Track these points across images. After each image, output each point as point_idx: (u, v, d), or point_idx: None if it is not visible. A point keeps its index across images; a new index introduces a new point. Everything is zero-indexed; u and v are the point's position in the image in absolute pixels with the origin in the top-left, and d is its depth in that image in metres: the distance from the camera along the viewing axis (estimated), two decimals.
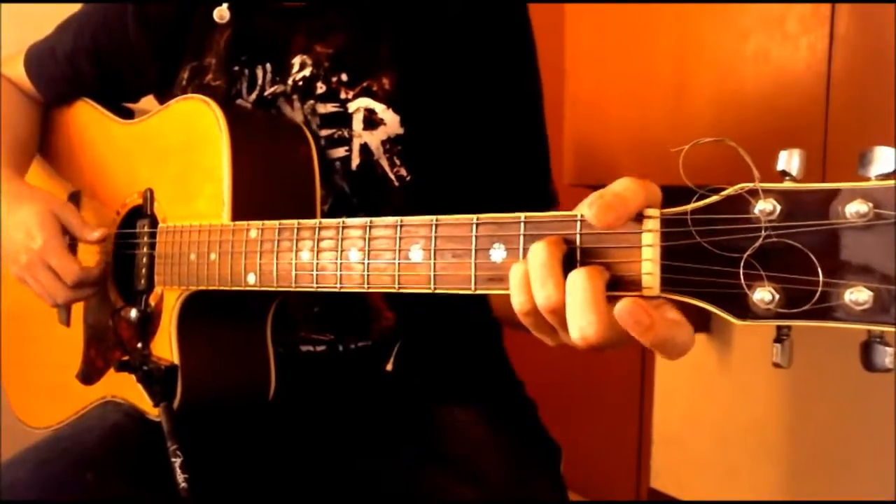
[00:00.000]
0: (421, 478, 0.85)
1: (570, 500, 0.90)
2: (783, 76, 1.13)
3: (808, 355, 1.50)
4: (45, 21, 1.11)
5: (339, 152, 0.90)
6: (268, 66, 0.92)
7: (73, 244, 0.96)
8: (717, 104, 1.23)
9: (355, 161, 0.90)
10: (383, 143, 0.89)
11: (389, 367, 0.94)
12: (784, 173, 0.45)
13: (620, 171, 1.36)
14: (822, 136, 1.08)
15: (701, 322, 1.82)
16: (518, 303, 0.54)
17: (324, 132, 0.90)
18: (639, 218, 0.49)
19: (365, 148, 0.89)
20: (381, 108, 0.89)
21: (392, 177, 0.90)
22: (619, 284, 0.50)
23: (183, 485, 0.76)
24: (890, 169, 0.42)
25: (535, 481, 0.86)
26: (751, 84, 1.17)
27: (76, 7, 1.06)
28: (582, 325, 0.50)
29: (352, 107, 0.89)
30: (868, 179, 0.42)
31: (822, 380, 1.66)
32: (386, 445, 0.91)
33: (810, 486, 1.74)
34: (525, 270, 0.53)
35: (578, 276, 0.50)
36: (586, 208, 0.50)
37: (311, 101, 0.91)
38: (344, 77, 0.90)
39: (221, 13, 0.93)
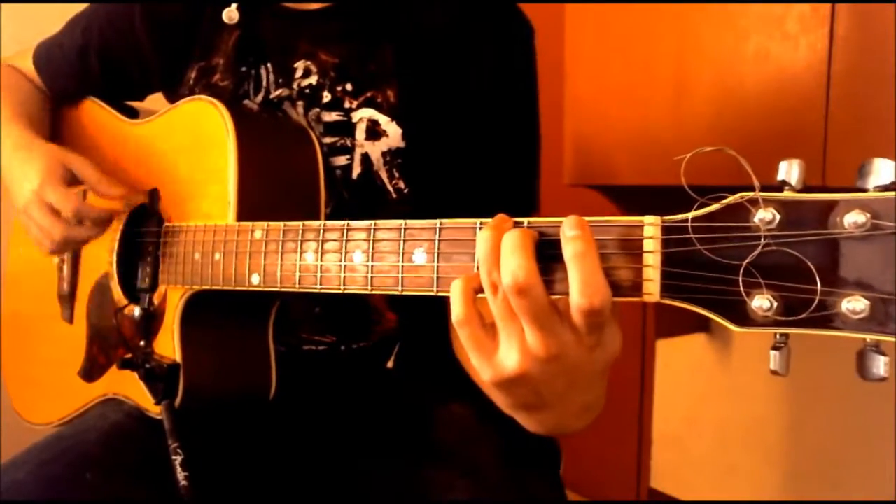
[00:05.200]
0: (419, 475, 0.84)
1: (569, 500, 0.91)
2: (783, 76, 1.13)
3: (808, 355, 1.50)
4: (45, 21, 1.11)
5: (341, 161, 0.91)
6: (269, 66, 0.93)
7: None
8: (717, 104, 1.23)
9: (356, 170, 0.90)
10: (384, 154, 0.90)
11: (390, 364, 0.95)
12: (784, 183, 0.45)
13: (620, 171, 1.38)
14: (821, 136, 1.09)
15: (700, 322, 1.83)
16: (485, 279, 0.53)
17: (327, 140, 0.91)
18: (640, 225, 0.50)
19: (366, 158, 0.90)
20: (384, 120, 0.89)
21: (390, 189, 0.91)
22: (619, 290, 0.50)
23: (183, 483, 0.76)
24: (888, 180, 0.42)
25: (532, 481, 0.85)
26: (751, 84, 1.17)
27: (76, 7, 1.06)
28: (513, 267, 0.50)
29: (355, 116, 0.90)
30: (866, 190, 0.43)
31: (822, 380, 1.66)
32: (385, 443, 0.91)
33: (810, 486, 1.74)
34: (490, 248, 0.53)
35: (511, 231, 0.52)
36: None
37: (316, 109, 0.91)
38: (348, 86, 0.90)
39: (231, 14, 0.93)
